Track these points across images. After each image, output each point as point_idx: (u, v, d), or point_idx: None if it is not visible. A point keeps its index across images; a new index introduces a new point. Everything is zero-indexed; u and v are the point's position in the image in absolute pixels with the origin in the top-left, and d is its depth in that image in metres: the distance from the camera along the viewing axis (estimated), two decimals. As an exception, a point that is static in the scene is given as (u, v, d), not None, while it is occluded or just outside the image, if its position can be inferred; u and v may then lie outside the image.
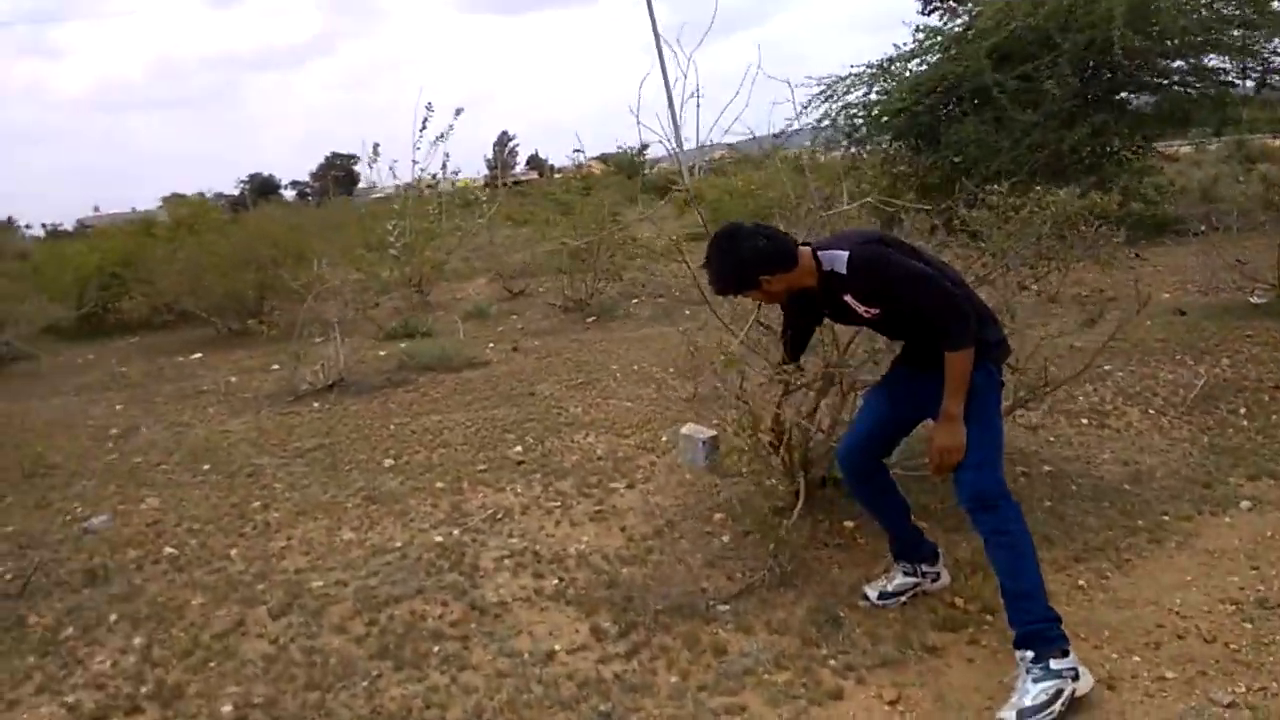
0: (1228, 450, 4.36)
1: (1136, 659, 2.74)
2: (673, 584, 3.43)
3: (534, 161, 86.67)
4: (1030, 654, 2.57)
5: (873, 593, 3.19)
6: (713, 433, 4.59)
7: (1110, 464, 4.31)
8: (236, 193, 59.93)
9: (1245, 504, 3.76)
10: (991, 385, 2.84)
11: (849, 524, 3.76)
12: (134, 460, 5.80)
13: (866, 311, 2.80)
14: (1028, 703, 2.49)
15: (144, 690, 3.01)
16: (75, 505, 4.91)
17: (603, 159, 55.34)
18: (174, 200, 20.81)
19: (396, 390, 7.16)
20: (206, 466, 5.51)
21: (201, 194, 27.14)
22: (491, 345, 8.87)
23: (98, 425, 6.84)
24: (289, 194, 65.79)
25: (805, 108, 14.75)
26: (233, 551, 4.13)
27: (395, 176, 12.69)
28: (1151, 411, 5.00)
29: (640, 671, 2.89)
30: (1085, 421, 4.95)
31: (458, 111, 13.58)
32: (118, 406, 7.54)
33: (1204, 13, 11.89)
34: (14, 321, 10.44)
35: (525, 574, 3.63)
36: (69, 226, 51.89)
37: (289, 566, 3.91)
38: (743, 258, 2.76)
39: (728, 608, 3.22)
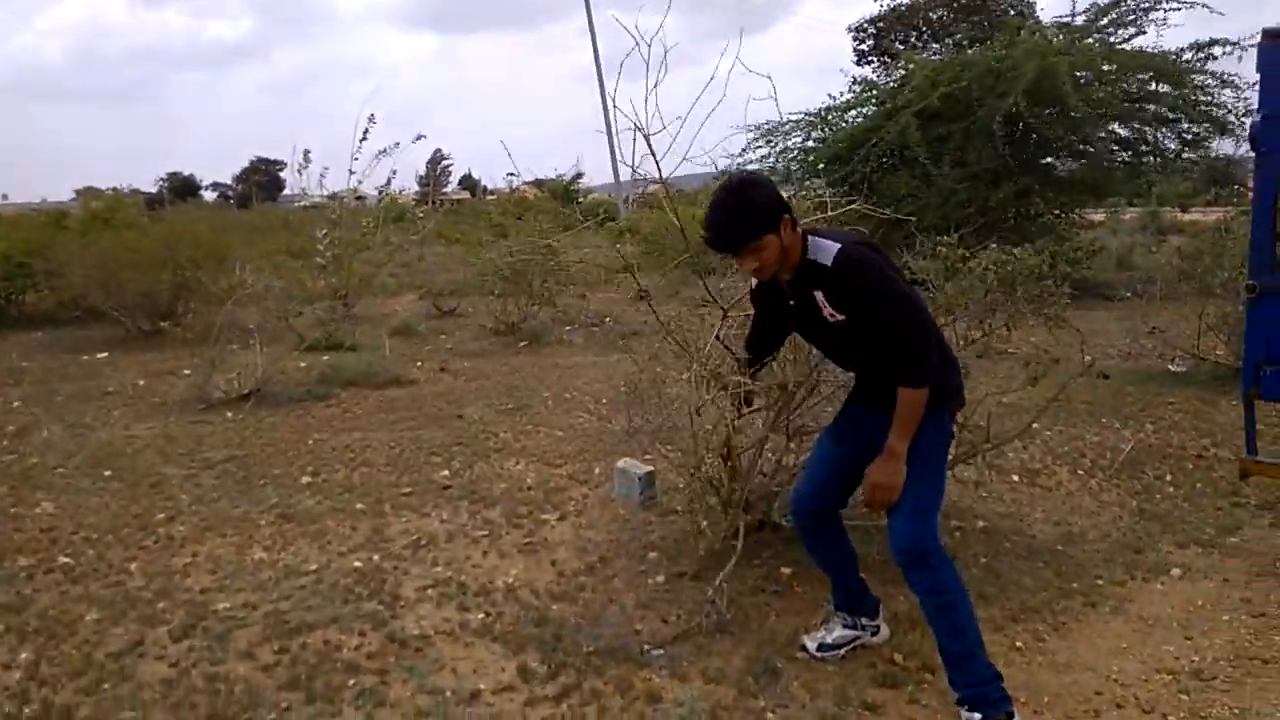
0: (1156, 516, 4.40)
1: (1077, 726, 2.70)
2: (605, 624, 3.29)
3: (467, 182, 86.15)
4: (977, 715, 2.51)
5: (812, 644, 3.09)
6: (649, 468, 4.50)
7: (1042, 523, 4.32)
8: (155, 190, 58.20)
9: (1176, 571, 3.78)
10: (942, 434, 2.80)
11: (786, 570, 3.68)
12: (30, 461, 5.46)
13: (832, 315, 2.68)
14: None
15: (27, 711, 2.76)
16: (-39, 506, 4.57)
17: (537, 184, 55.28)
18: (88, 193, 19.99)
19: (317, 404, 6.90)
20: (108, 473, 5.20)
21: (117, 189, 26.14)
22: (419, 364, 8.65)
23: (-10, 421, 6.43)
24: (209, 195, 64.24)
25: (745, 149, 14.97)
26: (132, 565, 3.87)
27: (324, 186, 12.38)
28: (1080, 473, 5.06)
29: (570, 717, 2.74)
30: (1016, 479, 4.98)
31: (418, 137, 14.19)
32: (15, 403, 7.12)
33: (1105, 91, 12.41)
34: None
35: (449, 606, 3.46)
36: (-30, 213, 49.66)
37: (193, 585, 3.67)
38: (757, 203, 2.60)
39: (662, 652, 3.09)
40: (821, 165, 14.58)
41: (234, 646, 3.15)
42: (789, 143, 15.20)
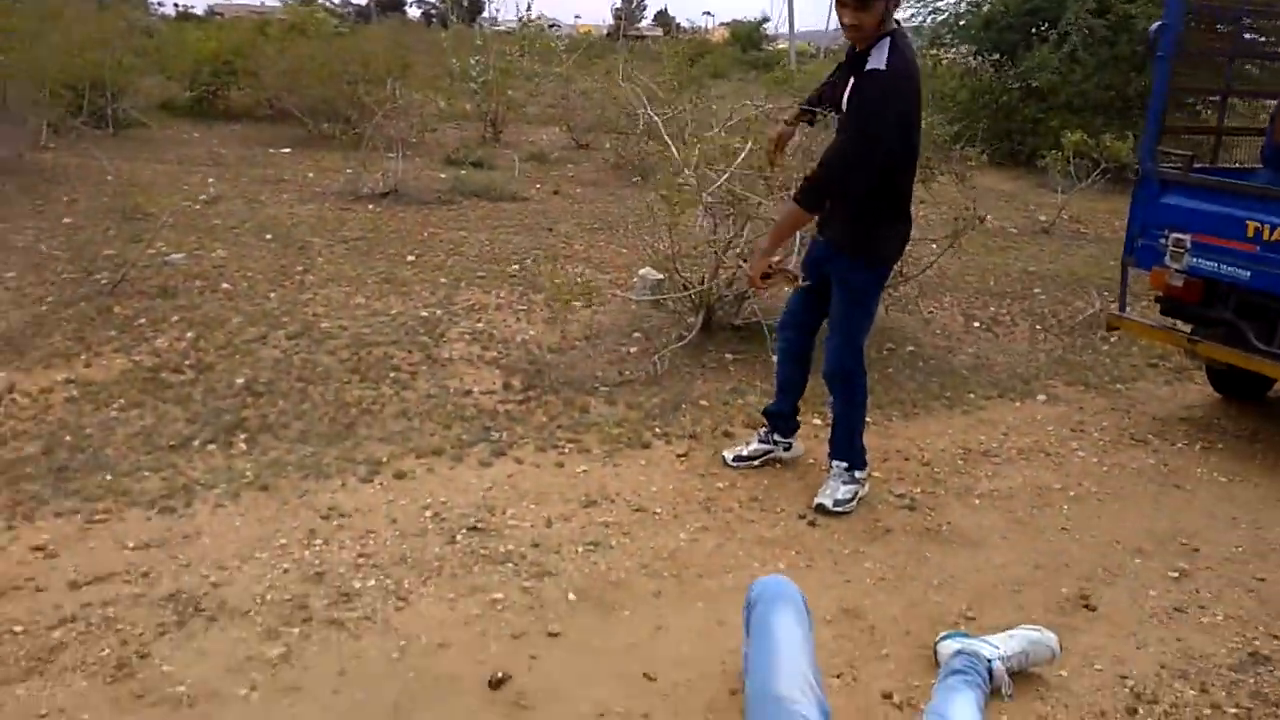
0: (1068, 362, 5.29)
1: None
2: (576, 370, 4.57)
3: (661, 18, 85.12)
4: (845, 464, 3.42)
5: (729, 455, 3.68)
6: (662, 276, 5.67)
7: (964, 355, 5.28)
8: (364, 2, 60.46)
9: (1042, 397, 4.74)
10: (873, 279, 3.29)
11: (729, 357, 4.84)
12: (214, 221, 7.09)
13: (845, 99, 3.05)
14: (840, 496, 3.36)
15: (187, 362, 4.30)
16: (161, 245, 6.19)
17: (730, 26, 54.57)
18: (293, 5, 21.80)
19: (440, 207, 8.31)
20: (269, 236, 6.77)
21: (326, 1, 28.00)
22: (538, 186, 9.92)
23: (190, 190, 8.16)
24: (414, 12, 66.02)
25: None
26: (272, 295, 5.38)
27: (520, 11, 13.44)
28: (1038, 328, 5.91)
29: (524, 412, 4.06)
30: (978, 325, 5.89)
31: None
32: (210, 180, 8.84)
33: None
34: (133, 93, 11.78)
35: (475, 345, 4.81)
36: (200, 10, 53.42)
37: (309, 312, 5.14)
38: None
39: (606, 390, 4.35)
40: (973, 31, 14.62)
41: (324, 348, 4.61)
42: (940, 3, 15.24)
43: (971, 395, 4.70)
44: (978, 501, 3.61)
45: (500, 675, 2.41)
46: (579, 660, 2.52)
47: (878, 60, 2.92)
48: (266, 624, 2.56)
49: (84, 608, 2.56)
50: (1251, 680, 2.63)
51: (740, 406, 4.28)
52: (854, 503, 3.41)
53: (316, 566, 2.84)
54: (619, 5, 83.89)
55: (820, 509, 3.37)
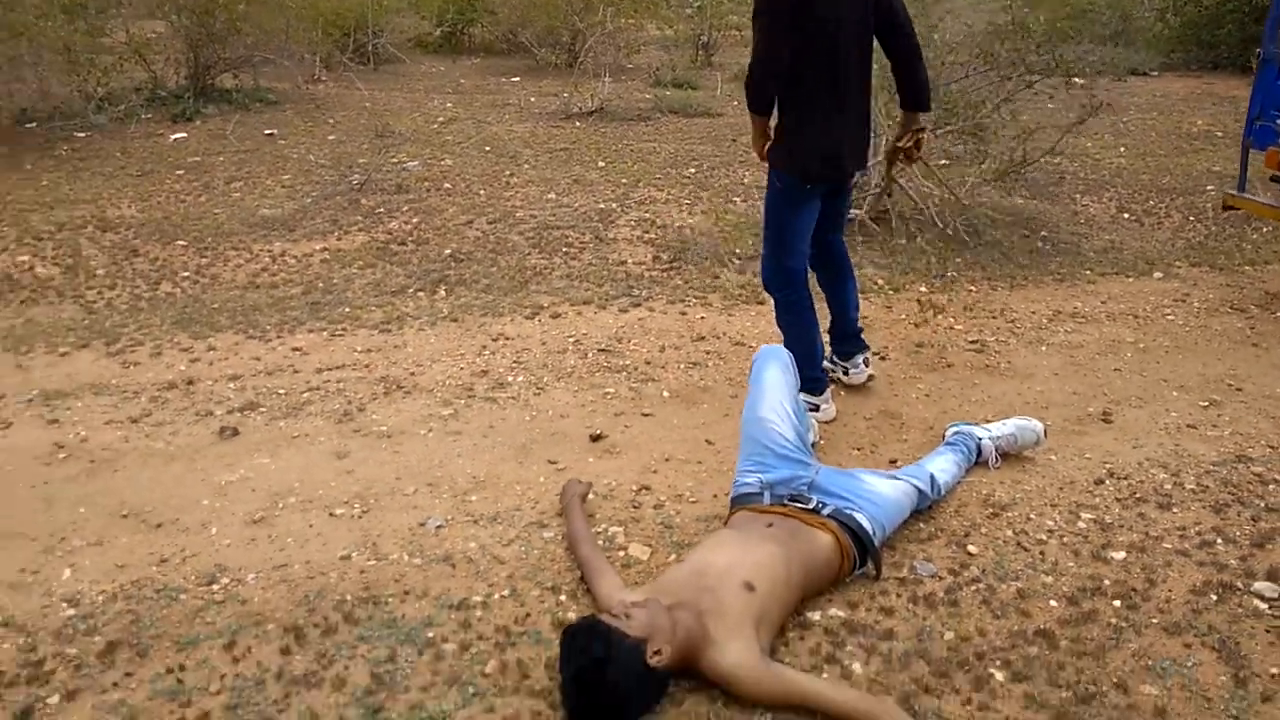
0: (1206, 247, 5.49)
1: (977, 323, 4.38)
2: (719, 248, 5.33)
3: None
4: (803, 394, 3.11)
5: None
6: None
7: (1100, 242, 5.58)
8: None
9: (1159, 274, 5.03)
10: (784, 194, 3.25)
11: (859, 239, 5.43)
12: (445, 137, 8.32)
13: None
14: None
15: (410, 238, 5.45)
16: (402, 156, 7.46)
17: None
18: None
19: (640, 123, 9.18)
20: (488, 149, 7.91)
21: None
22: (736, 103, 10.58)
23: (430, 114, 9.47)
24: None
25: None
26: (482, 192, 6.48)
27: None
28: (1191, 218, 6.06)
29: (664, 276, 4.90)
30: (1127, 216, 6.14)
31: None
32: (448, 105, 10.15)
33: None
34: (390, 30, 13.39)
35: (638, 230, 5.67)
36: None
37: (509, 204, 6.19)
38: None
39: (739, 261, 5.09)
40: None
41: (515, 230, 5.62)
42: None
43: (1088, 272, 5.07)
44: (1044, 349, 4.11)
45: (599, 433, 3.29)
46: (660, 429, 3.36)
47: None
48: (443, 397, 3.57)
49: (324, 382, 3.68)
50: (1224, 471, 3.08)
51: (861, 278, 4.89)
52: (815, 415, 3.32)
53: (483, 367, 3.83)
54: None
55: None
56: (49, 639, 2.26)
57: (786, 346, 3.12)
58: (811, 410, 3.32)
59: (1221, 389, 3.72)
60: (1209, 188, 6.77)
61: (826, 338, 3.61)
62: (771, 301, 3.47)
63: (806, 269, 3.37)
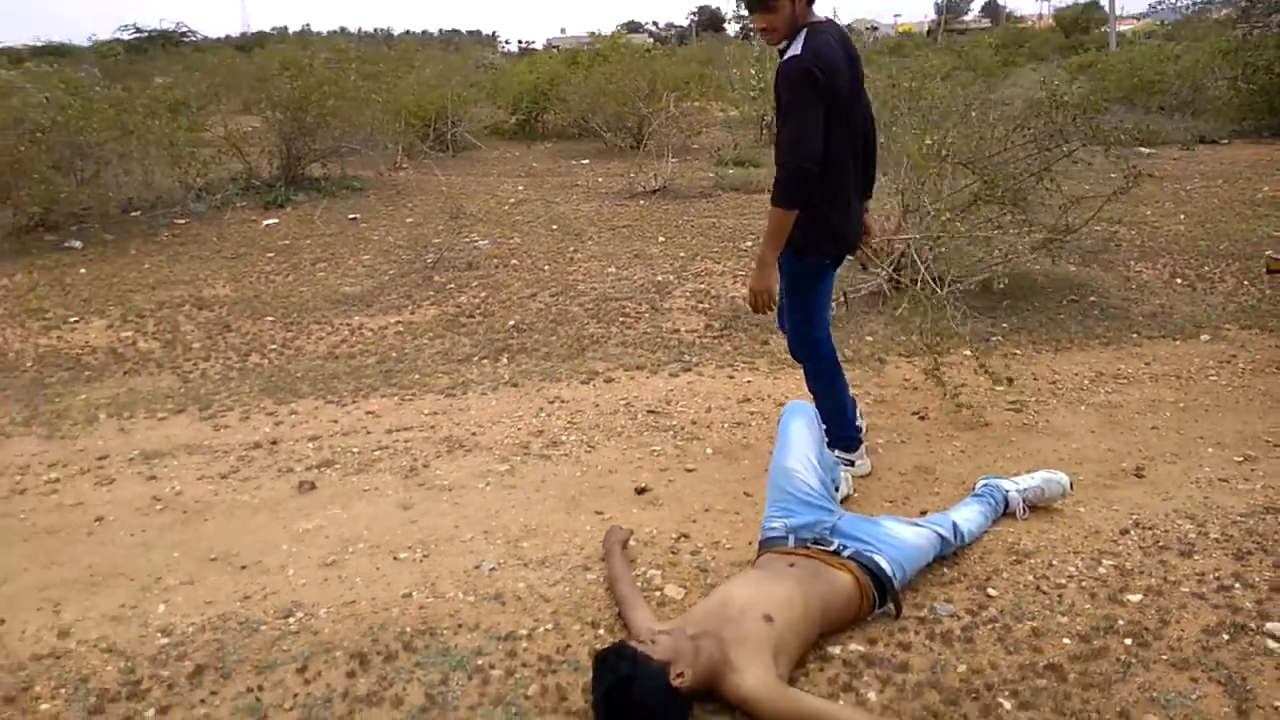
0: (1258, 310, 5.52)
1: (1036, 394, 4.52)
2: (768, 316, 5.55)
3: (990, 9, 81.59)
4: (837, 451, 3.46)
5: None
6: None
7: (1150, 307, 5.66)
8: (686, 23, 63.77)
9: (1205, 337, 5.09)
10: (808, 274, 3.30)
11: (906, 308, 5.62)
12: (515, 217, 8.78)
13: (776, 102, 3.11)
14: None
15: (478, 311, 5.80)
16: (474, 235, 7.91)
17: (1060, 12, 52.07)
18: (623, 29, 24.13)
19: (701, 200, 9.54)
20: (555, 227, 8.32)
21: (655, 25, 30.39)
22: (796, 178, 10.91)
23: (503, 195, 9.99)
24: (731, 29, 68.45)
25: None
26: (546, 267, 6.84)
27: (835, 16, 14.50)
28: (1245, 282, 6.10)
29: (715, 343, 5.14)
30: (1180, 281, 6.20)
31: None
32: (519, 187, 10.68)
33: None
34: (468, 119, 14.13)
35: (693, 300, 5.94)
36: (540, 45, 59.12)
37: (572, 278, 6.53)
38: None
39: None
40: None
41: (576, 301, 5.94)
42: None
43: (1134, 336, 5.16)
44: (1084, 408, 4.22)
45: (644, 486, 3.52)
46: (702, 483, 3.57)
47: (793, 49, 2.99)
48: (500, 454, 3.84)
49: (393, 441, 3.98)
50: (1251, 522, 3.16)
51: (900, 342, 5.07)
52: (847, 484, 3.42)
53: (539, 427, 4.10)
54: (941, 1, 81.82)
55: None
56: (146, 663, 2.55)
57: (820, 408, 3.28)
58: (847, 466, 3.51)
59: (1259, 445, 3.79)
60: (1268, 252, 6.80)
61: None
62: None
63: (830, 335, 3.49)
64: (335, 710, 2.33)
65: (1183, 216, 8.30)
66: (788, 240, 3.15)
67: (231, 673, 2.49)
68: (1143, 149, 12.46)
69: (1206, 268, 6.49)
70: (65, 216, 8.17)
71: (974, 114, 5.46)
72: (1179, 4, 17.97)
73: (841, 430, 3.47)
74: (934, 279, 5.52)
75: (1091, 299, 5.77)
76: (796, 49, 2.98)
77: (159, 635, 2.67)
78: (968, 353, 4.87)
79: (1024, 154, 5.42)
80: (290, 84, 9.95)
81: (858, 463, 3.59)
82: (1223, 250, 6.97)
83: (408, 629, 2.66)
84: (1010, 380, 4.27)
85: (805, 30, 3.02)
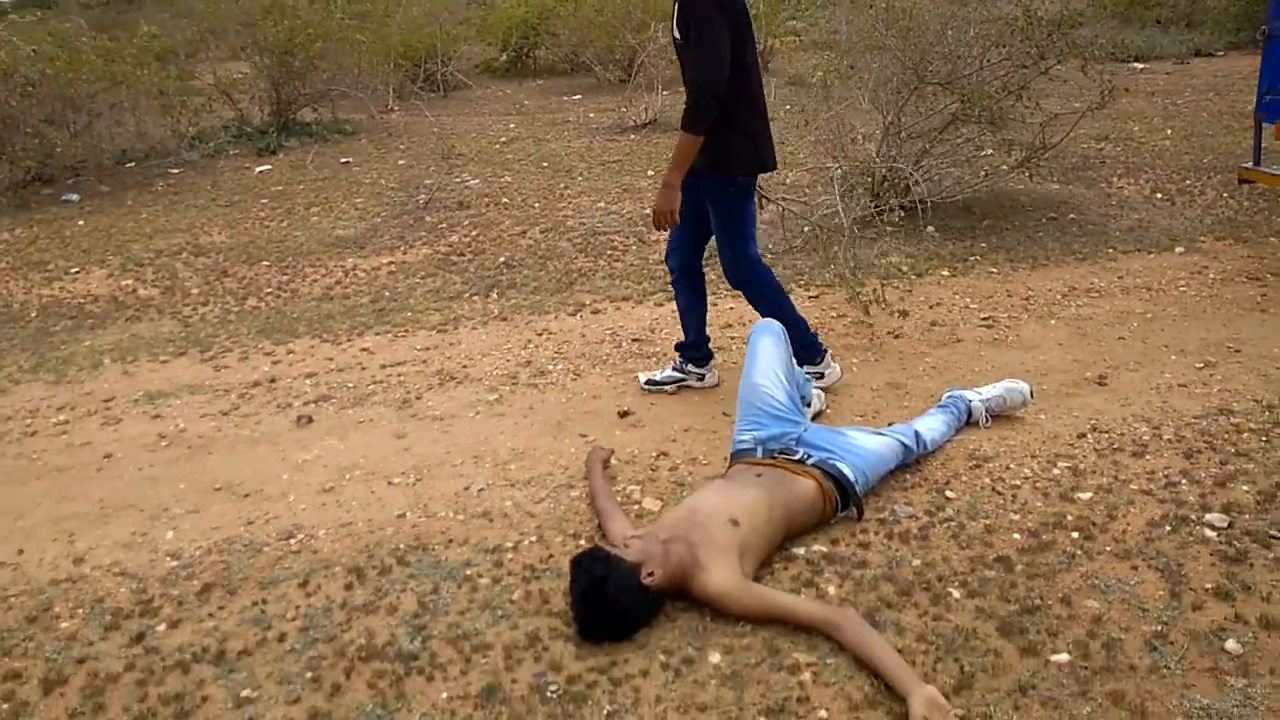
0: (1234, 222, 5.61)
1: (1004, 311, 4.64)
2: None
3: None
4: (805, 366, 3.55)
5: (643, 377, 3.87)
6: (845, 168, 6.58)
7: (1128, 221, 5.75)
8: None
9: (1180, 249, 5.19)
10: (739, 194, 3.40)
11: (888, 229, 5.71)
12: (506, 155, 8.84)
13: (676, 31, 3.15)
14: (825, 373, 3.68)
15: (469, 248, 5.91)
16: (465, 175, 7.98)
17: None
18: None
19: (691, 131, 9.55)
20: (545, 164, 8.38)
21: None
22: (787, 107, 10.86)
23: (493, 135, 10.01)
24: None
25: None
26: (536, 205, 6.93)
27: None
28: (1225, 195, 6.18)
29: (700, 272, 5.25)
30: (1160, 196, 6.28)
31: None
32: (511, 125, 10.69)
33: None
34: (459, 58, 14.05)
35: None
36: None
37: (561, 215, 6.63)
38: None
39: (772, 256, 5.42)
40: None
41: (564, 237, 6.05)
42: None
43: (1110, 250, 5.26)
44: (1054, 322, 4.35)
45: (626, 409, 3.67)
46: (682, 405, 3.72)
47: None
48: (490, 385, 3.99)
49: (387, 376, 4.14)
50: (1205, 423, 3.31)
51: (880, 265, 5.18)
52: (817, 382, 3.61)
53: (527, 358, 4.25)
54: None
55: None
56: (156, 584, 2.73)
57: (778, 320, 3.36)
58: (817, 379, 3.65)
59: (1220, 351, 3.92)
60: (1244, 165, 6.84)
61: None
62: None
63: (759, 254, 3.59)
64: (335, 618, 2.52)
65: (1169, 131, 8.33)
66: (715, 163, 3.27)
67: (237, 589, 2.67)
68: (1136, 64, 12.39)
69: (1188, 181, 6.56)
70: (60, 170, 8.25)
71: (950, 33, 5.48)
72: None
73: (801, 341, 3.52)
74: (918, 203, 5.63)
75: (1070, 216, 5.86)
76: None
77: (168, 559, 2.86)
78: (945, 273, 5.00)
79: (1002, 72, 5.47)
80: (275, 27, 9.92)
81: (826, 372, 3.71)
82: (1206, 164, 7.03)
83: (401, 545, 2.84)
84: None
85: None
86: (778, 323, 3.23)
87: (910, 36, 5.57)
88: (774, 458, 2.86)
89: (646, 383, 3.83)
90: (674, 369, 3.86)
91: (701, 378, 3.81)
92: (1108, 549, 2.63)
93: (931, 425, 3.22)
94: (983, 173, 5.78)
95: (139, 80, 8.71)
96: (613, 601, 2.31)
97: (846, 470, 2.81)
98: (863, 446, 2.94)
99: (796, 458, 2.84)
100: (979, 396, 3.38)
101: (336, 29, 10.16)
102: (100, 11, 19.79)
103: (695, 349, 3.81)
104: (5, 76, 7.90)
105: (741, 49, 3.19)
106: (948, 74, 5.47)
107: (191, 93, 9.89)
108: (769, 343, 3.10)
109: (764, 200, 3.90)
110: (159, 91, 9.03)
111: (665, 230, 3.45)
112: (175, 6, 21.51)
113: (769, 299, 3.58)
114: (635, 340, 4.37)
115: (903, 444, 3.04)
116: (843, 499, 2.79)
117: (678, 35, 3.15)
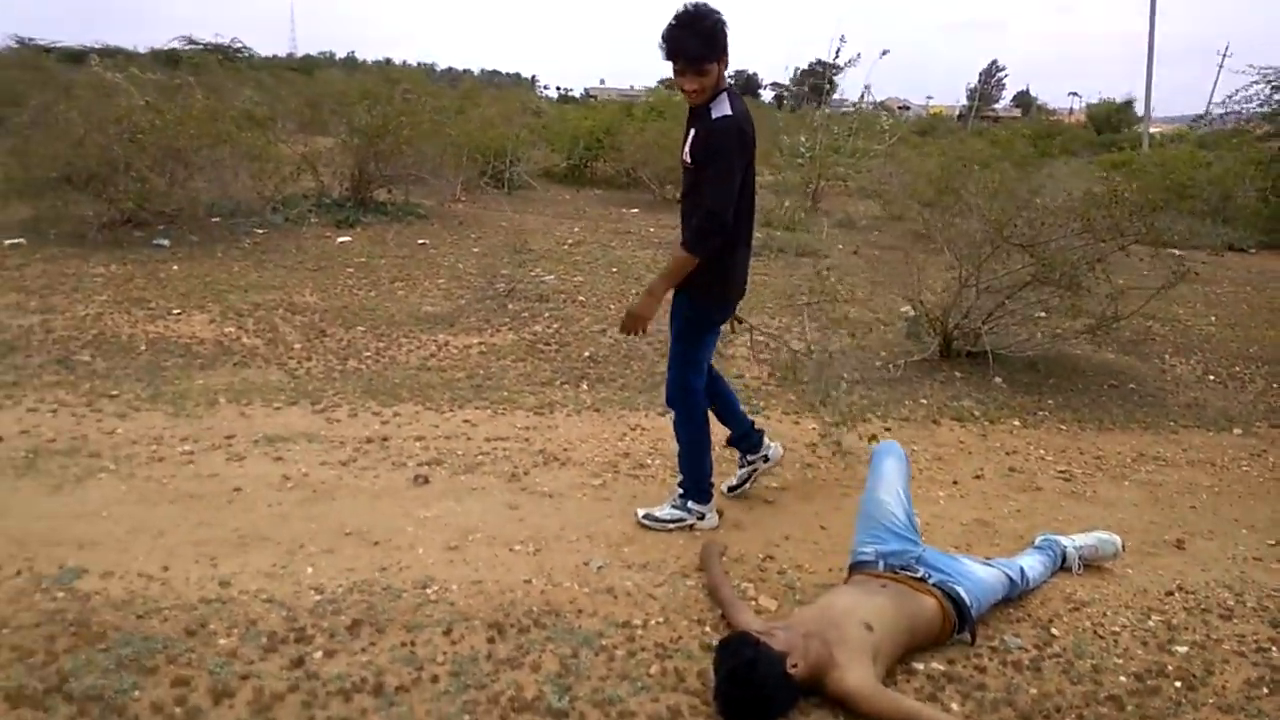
0: (1277, 410, 5.86)
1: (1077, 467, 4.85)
2: (826, 372, 5.92)
3: (1021, 99, 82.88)
4: (680, 492, 3.66)
5: (724, 486, 3.97)
6: (914, 312, 6.89)
7: (1184, 398, 6.00)
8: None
9: (1238, 431, 5.43)
10: (692, 315, 3.46)
11: (957, 374, 5.96)
12: (575, 257, 9.19)
13: (687, 155, 3.23)
14: (659, 514, 3.63)
15: (554, 338, 6.17)
16: (539, 270, 8.31)
17: (1092, 108, 53.13)
18: (662, 85, 24.85)
19: (752, 258, 9.93)
20: (615, 269, 8.72)
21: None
22: (840, 246, 11.34)
23: (560, 237, 10.42)
24: (767, 95, 69.67)
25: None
26: (611, 306, 7.22)
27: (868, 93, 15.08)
28: (1275, 385, 6.44)
29: (778, 392, 5.48)
30: (1213, 379, 6.55)
31: (884, 52, 15.80)
32: (575, 229, 11.12)
33: None
34: (525, 160, 14.63)
35: (752, 351, 6.30)
36: (577, 93, 60.49)
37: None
38: (723, 32, 3.12)
39: (847, 384, 5.65)
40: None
41: (644, 341, 6.30)
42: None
43: (1171, 424, 5.50)
44: (1127, 484, 4.55)
45: (723, 512, 3.85)
46: (779, 514, 3.89)
47: (721, 109, 3.13)
48: (592, 470, 4.17)
49: (493, 449, 4.32)
50: (1284, 597, 3.48)
51: (953, 407, 5.41)
52: (670, 525, 3.60)
53: (624, 450, 4.44)
54: (973, 85, 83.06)
55: (639, 516, 3.65)
56: (305, 614, 2.87)
57: (684, 456, 3.59)
58: (697, 517, 3.63)
59: (1290, 532, 4.11)
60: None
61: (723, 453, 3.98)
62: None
63: (703, 389, 3.61)
64: (482, 668, 2.65)
65: (1213, 318, 8.68)
66: (685, 285, 3.36)
67: (385, 628, 2.81)
68: (1174, 250, 12.91)
69: (1237, 368, 6.85)
70: (154, 215, 8.59)
71: (1038, 201, 5.85)
72: (1221, 115, 18.59)
73: (700, 478, 3.61)
74: (987, 352, 5.90)
75: (1131, 386, 6.12)
76: (725, 109, 3.15)
77: (312, 592, 3.00)
78: (1016, 423, 5.23)
79: (1080, 242, 5.81)
80: (369, 112, 10.45)
81: (708, 515, 3.67)
82: (1252, 353, 7.34)
83: (534, 608, 2.98)
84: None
85: (725, 92, 3.20)
86: (899, 446, 3.43)
87: (999, 197, 5.93)
88: (895, 572, 3.02)
89: (645, 517, 3.66)
90: (740, 466, 3.99)
91: (703, 516, 3.66)
92: (1210, 701, 2.77)
93: (1032, 564, 3.38)
94: (1053, 333, 6.06)
95: (240, 140, 9.14)
96: (760, 685, 2.45)
97: (964, 594, 2.97)
98: (976, 575, 3.10)
99: (918, 575, 3.00)
100: (1073, 543, 3.56)
101: (428, 120, 10.66)
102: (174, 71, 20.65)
103: (745, 440, 3.93)
104: (117, 121, 8.31)
105: (744, 178, 3.28)
106: (1030, 238, 5.80)
107: (280, 159, 10.34)
108: (893, 462, 3.30)
109: (735, 324, 4.05)
110: (254, 155, 9.45)
111: (632, 335, 3.53)
112: (242, 76, 22.28)
113: (694, 429, 3.60)
114: (726, 448, 4.56)
115: (1010, 578, 3.20)
116: (959, 621, 2.94)
117: (688, 160, 3.25)
